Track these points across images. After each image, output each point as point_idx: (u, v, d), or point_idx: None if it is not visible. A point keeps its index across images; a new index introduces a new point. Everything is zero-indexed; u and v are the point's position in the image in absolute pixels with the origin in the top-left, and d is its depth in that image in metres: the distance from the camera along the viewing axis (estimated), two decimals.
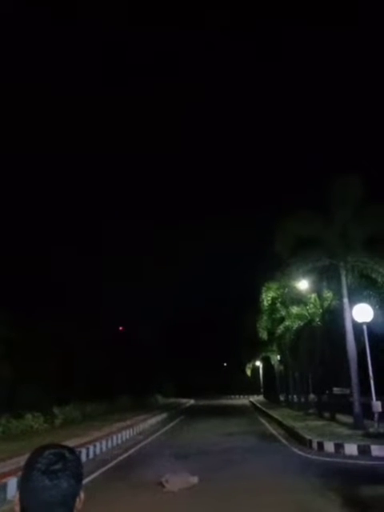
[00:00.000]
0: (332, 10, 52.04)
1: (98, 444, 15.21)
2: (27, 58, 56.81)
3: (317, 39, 66.99)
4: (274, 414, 27.77)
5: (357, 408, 17.45)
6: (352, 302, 18.17)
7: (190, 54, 70.33)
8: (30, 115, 56.75)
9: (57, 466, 1.33)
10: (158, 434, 21.10)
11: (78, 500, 1.37)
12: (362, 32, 61.74)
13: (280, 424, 22.38)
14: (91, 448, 14.41)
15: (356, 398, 17.52)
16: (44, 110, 58.18)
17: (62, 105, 60.34)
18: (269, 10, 60.29)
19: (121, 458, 14.15)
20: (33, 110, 53.58)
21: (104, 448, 15.62)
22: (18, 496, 1.34)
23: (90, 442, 15.15)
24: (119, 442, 17.64)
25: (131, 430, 20.43)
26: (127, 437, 19.12)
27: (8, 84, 46.68)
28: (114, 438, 17.37)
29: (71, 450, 1.42)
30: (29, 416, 21.69)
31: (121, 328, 54.80)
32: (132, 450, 15.76)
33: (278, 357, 39.96)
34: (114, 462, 13.28)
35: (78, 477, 1.38)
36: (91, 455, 14.15)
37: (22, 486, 1.34)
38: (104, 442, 15.90)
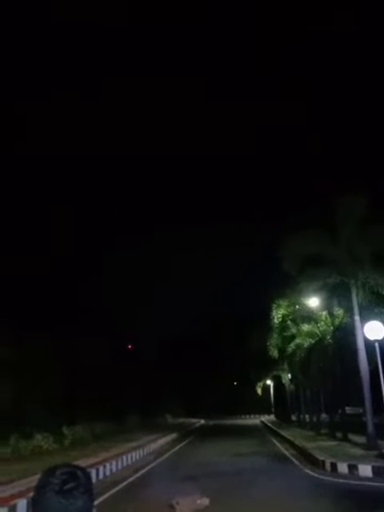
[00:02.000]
0: (335, 17, 52.23)
1: (107, 465, 15.06)
2: (26, 57, 57.54)
3: (319, 45, 67.28)
4: (286, 434, 27.37)
5: (370, 428, 17.14)
6: (363, 320, 18.00)
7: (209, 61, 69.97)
8: (32, 116, 57.29)
9: (70, 485, 1.36)
10: (168, 454, 20.86)
11: None
12: (364, 41, 61.97)
13: (292, 444, 22.04)
14: (101, 469, 14.28)
15: (369, 417, 17.23)
16: (50, 110, 58.69)
17: (66, 105, 60.14)
18: (270, 15, 60.52)
19: (131, 479, 14.00)
20: (35, 110, 54.20)
21: (114, 469, 15.45)
22: None
23: (100, 463, 15.02)
24: (130, 462, 17.46)
25: (141, 450, 20.23)
26: (137, 457, 18.92)
27: (8, 84, 47.40)
28: (125, 458, 17.20)
29: (82, 469, 1.45)
30: (38, 436, 21.57)
31: (130, 346, 54.65)
32: (143, 471, 15.58)
33: (289, 375, 39.48)
34: (125, 483, 13.14)
35: (91, 494, 1.41)
36: (101, 476, 14.01)
37: (37, 507, 1.35)
38: (114, 463, 15.74)
